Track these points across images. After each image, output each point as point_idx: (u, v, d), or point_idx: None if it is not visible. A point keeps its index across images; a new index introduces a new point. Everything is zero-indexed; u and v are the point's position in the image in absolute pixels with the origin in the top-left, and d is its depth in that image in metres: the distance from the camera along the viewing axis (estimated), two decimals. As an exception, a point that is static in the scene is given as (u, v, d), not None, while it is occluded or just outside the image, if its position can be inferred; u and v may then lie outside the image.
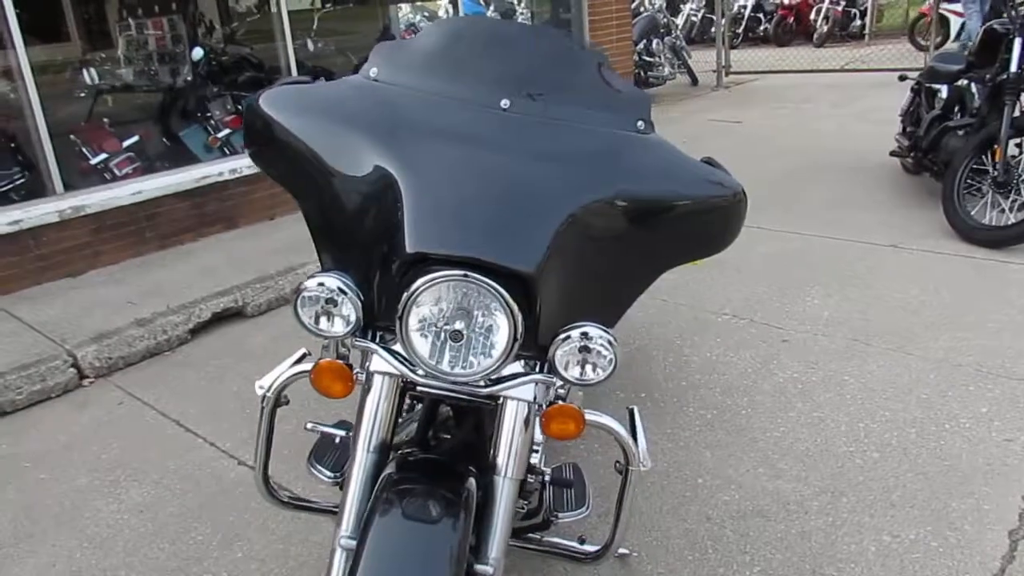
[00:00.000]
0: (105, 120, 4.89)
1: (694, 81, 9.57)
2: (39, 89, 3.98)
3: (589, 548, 1.67)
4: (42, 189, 4.09)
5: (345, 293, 1.26)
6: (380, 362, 1.33)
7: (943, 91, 4.60)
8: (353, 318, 1.27)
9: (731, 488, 2.23)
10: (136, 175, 4.54)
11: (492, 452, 1.33)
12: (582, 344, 1.24)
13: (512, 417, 1.32)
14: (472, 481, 1.31)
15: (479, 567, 1.26)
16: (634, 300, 1.50)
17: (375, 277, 1.29)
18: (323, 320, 1.28)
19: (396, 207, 1.26)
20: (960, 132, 4.24)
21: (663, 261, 1.51)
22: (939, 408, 2.53)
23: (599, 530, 2.04)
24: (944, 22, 10.31)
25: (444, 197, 1.26)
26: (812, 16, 12.26)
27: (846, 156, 5.63)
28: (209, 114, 5.24)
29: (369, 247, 1.33)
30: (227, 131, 5.18)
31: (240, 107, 5.27)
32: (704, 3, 12.40)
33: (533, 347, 1.27)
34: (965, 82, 4.42)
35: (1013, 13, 3.87)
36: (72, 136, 4.52)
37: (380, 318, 1.30)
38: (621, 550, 1.96)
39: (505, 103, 1.41)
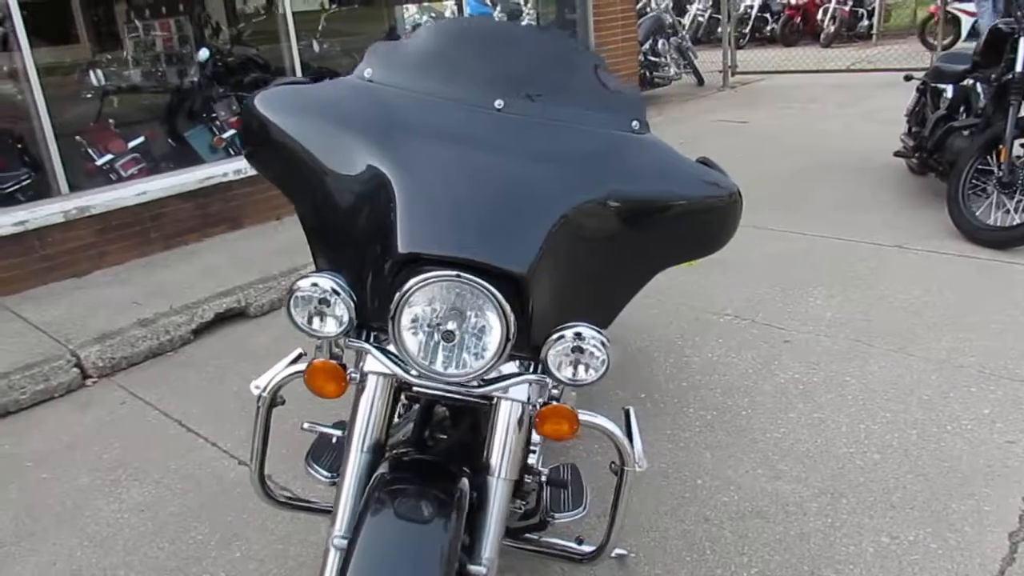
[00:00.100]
0: (111, 121, 4.91)
1: (700, 81, 9.54)
2: (45, 90, 4.01)
3: (586, 548, 1.67)
4: (47, 190, 4.12)
5: (338, 294, 1.26)
6: (374, 362, 1.33)
7: (948, 91, 4.57)
8: (346, 318, 1.28)
9: (730, 489, 2.23)
10: (141, 176, 4.56)
11: (486, 452, 1.33)
12: (575, 344, 1.24)
13: (506, 417, 1.33)
14: (465, 481, 1.31)
15: (472, 567, 1.27)
16: (628, 301, 1.50)
17: (368, 277, 1.29)
18: (316, 320, 1.29)
19: (390, 207, 1.26)
20: (965, 132, 4.21)
21: (657, 262, 1.51)
22: (941, 409, 2.52)
23: (597, 531, 2.03)
24: (955, 22, 10.27)
25: (437, 197, 1.26)
26: (819, 16, 12.22)
27: (852, 156, 5.60)
28: (214, 115, 5.25)
29: (363, 247, 1.34)
30: (232, 132, 5.19)
31: (245, 108, 5.27)
32: (710, 3, 12.38)
33: (526, 347, 1.27)
34: (971, 82, 4.39)
35: (1019, 13, 3.85)
36: (78, 137, 4.54)
37: (373, 318, 1.30)
38: (619, 551, 1.96)
39: (499, 104, 1.41)
